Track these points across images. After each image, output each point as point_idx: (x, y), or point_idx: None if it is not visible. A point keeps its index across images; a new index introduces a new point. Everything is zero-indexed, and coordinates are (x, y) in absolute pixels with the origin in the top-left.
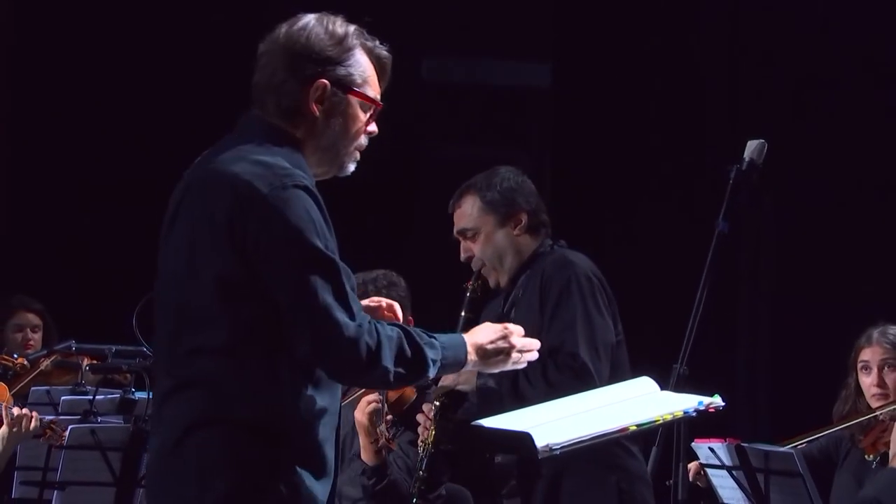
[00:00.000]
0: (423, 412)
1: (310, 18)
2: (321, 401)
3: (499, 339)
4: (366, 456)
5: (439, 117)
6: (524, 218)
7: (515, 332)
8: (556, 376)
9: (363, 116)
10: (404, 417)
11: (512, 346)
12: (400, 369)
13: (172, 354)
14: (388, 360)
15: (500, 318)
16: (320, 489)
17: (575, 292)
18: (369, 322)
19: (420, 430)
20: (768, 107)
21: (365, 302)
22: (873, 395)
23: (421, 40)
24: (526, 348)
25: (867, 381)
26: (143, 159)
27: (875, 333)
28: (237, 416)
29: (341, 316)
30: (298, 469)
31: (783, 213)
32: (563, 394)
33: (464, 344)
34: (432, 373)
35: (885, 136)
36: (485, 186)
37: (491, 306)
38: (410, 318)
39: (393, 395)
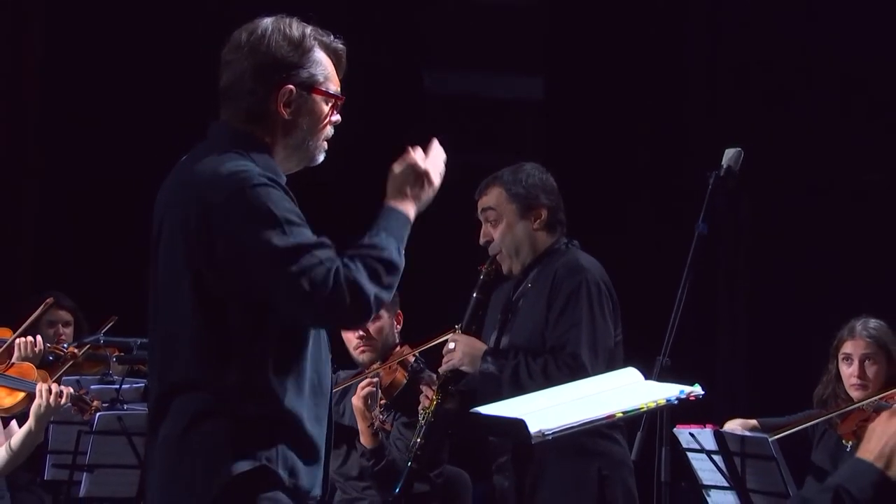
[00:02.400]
0: (427, 384)
1: (267, 24)
2: (312, 384)
3: (410, 173)
4: (364, 439)
5: (439, 126)
6: (544, 213)
7: (416, 157)
8: (555, 372)
9: (327, 110)
10: (397, 401)
11: (425, 171)
12: (381, 288)
13: (165, 359)
14: (368, 286)
15: (507, 305)
16: (315, 468)
17: (584, 296)
18: (336, 266)
19: (422, 398)
20: (744, 117)
21: None
22: (852, 385)
23: (423, 55)
24: (434, 159)
25: (847, 371)
26: (168, 163)
27: (858, 326)
28: (237, 412)
29: (313, 273)
30: (295, 453)
31: (758, 215)
32: None
33: (394, 208)
34: (402, 259)
35: (851, 144)
36: (511, 180)
37: (500, 292)
38: (399, 312)
39: (385, 380)
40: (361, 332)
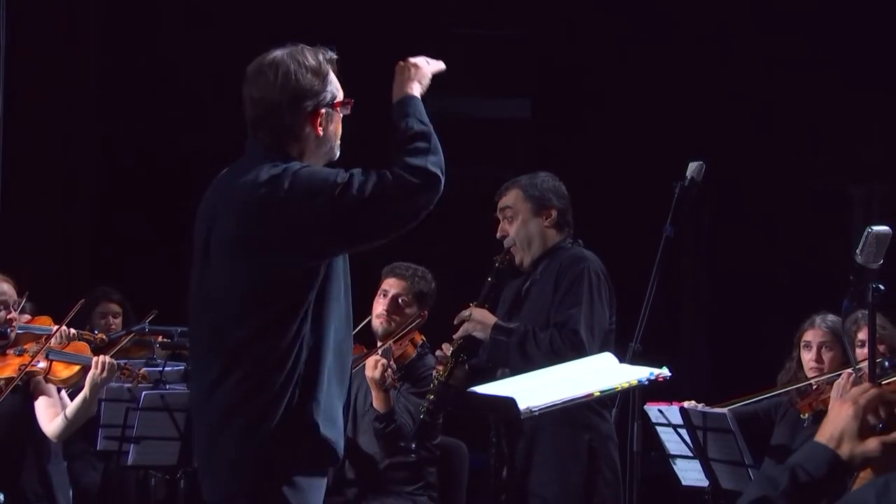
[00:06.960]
0: (441, 350)
1: (288, 61)
2: (334, 347)
3: (404, 69)
4: (377, 404)
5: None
6: (554, 213)
7: (414, 62)
8: (559, 345)
9: (341, 113)
10: (405, 371)
11: (413, 64)
12: (425, 156)
13: (215, 343)
14: (416, 162)
15: (517, 295)
16: (338, 407)
17: (585, 282)
18: (384, 172)
19: (436, 364)
20: (705, 133)
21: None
22: (811, 369)
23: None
24: (423, 61)
25: (807, 357)
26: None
27: (817, 319)
28: (276, 383)
29: (372, 181)
30: (322, 403)
31: (718, 220)
32: (559, 359)
33: (400, 97)
34: (427, 125)
35: (796, 158)
36: (528, 184)
37: (509, 288)
38: (425, 311)
39: (397, 352)
40: (388, 309)
